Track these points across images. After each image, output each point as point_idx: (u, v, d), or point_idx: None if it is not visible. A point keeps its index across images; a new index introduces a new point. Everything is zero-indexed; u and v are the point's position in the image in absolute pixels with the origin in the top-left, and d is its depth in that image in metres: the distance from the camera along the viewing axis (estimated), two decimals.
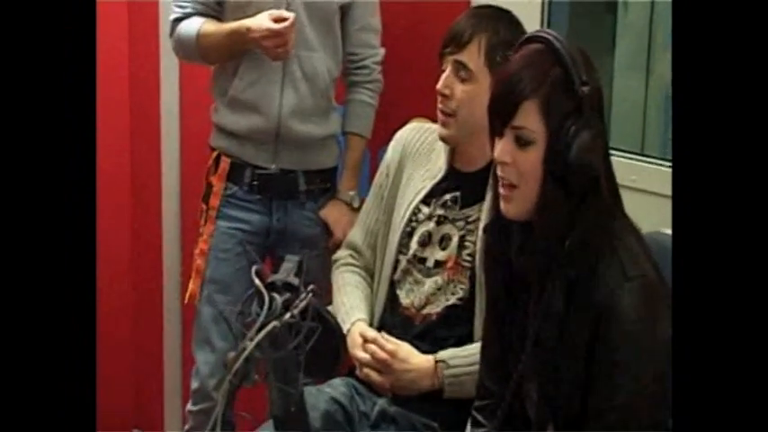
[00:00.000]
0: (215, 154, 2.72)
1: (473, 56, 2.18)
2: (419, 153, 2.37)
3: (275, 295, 1.52)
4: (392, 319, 2.29)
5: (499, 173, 1.73)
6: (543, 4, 2.59)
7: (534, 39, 1.73)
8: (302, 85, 2.61)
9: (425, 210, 2.29)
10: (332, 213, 2.71)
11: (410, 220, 2.30)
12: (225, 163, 2.69)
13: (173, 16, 2.66)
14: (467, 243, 2.22)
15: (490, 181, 1.97)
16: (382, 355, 2.19)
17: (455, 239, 2.24)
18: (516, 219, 1.73)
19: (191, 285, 2.72)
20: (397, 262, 2.31)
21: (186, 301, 2.77)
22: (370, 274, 2.42)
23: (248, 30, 2.49)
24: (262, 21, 2.47)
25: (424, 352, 2.19)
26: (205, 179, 2.73)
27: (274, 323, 1.48)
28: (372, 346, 2.21)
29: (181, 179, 3.32)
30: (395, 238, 2.32)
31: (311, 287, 1.56)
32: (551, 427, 1.74)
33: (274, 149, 2.66)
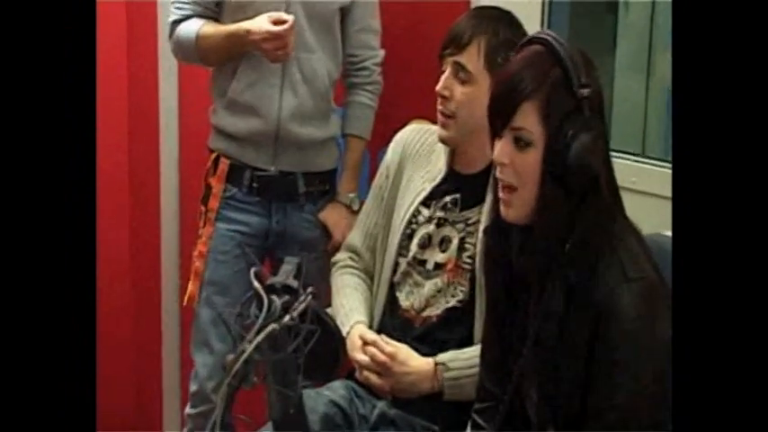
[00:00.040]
0: (214, 155, 2.71)
1: (472, 57, 2.18)
2: (419, 155, 2.37)
3: (274, 298, 1.51)
4: (392, 321, 2.29)
5: (498, 175, 1.73)
6: (544, 4, 2.59)
7: (535, 40, 1.73)
8: (301, 88, 2.61)
9: (425, 212, 2.28)
10: (331, 216, 2.71)
11: (410, 222, 2.30)
12: (224, 164, 2.68)
13: (171, 18, 2.65)
14: (467, 245, 2.22)
15: (490, 183, 1.97)
16: (382, 357, 2.18)
17: (455, 242, 2.23)
18: (516, 222, 1.73)
19: (189, 287, 2.71)
20: (396, 264, 2.31)
21: (185, 304, 2.76)
22: (369, 276, 2.42)
23: (247, 32, 2.49)
24: (261, 23, 2.47)
25: (424, 354, 2.19)
26: (204, 181, 2.73)
27: (273, 325, 1.48)
28: (372, 349, 2.20)
29: (179, 180, 3.32)
30: (394, 240, 2.32)
31: (310, 289, 1.55)
32: (551, 427, 1.74)
33: (274, 151, 2.65)
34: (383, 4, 2.72)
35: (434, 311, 2.23)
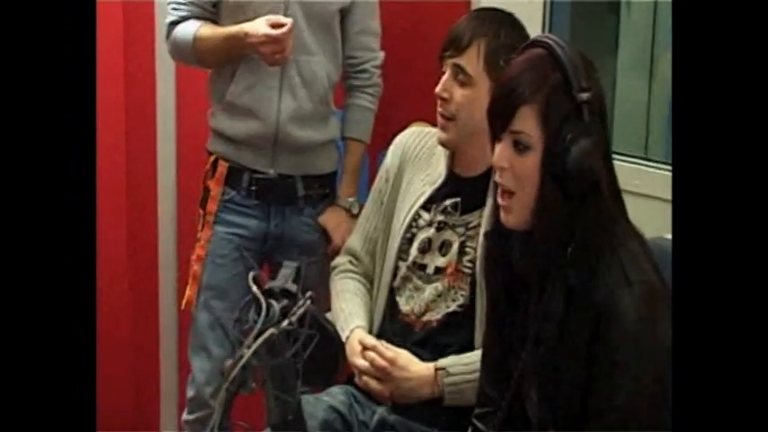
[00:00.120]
0: (212, 158, 2.71)
1: (472, 60, 2.17)
2: (419, 158, 2.36)
3: (273, 302, 1.51)
4: (392, 326, 2.28)
5: (497, 179, 1.73)
6: (545, 4, 2.59)
7: (536, 43, 1.73)
8: (300, 90, 2.60)
9: (426, 216, 2.28)
10: (331, 219, 2.70)
11: (410, 226, 2.29)
12: (222, 167, 2.68)
13: (168, 19, 2.64)
14: (467, 249, 2.21)
15: (491, 186, 1.96)
16: (381, 362, 2.17)
17: (455, 246, 2.23)
18: (516, 228, 1.73)
19: (187, 291, 2.71)
20: (396, 268, 2.30)
21: (183, 308, 2.76)
22: (369, 280, 2.41)
23: (245, 35, 2.48)
24: (259, 26, 2.46)
25: (424, 359, 2.18)
26: (202, 183, 2.73)
27: (272, 330, 1.48)
28: (371, 354, 2.19)
29: (177, 182, 3.32)
30: (394, 244, 2.31)
31: (309, 294, 1.55)
32: (552, 428, 1.73)
33: (272, 154, 2.65)
34: (383, 4, 2.71)
35: (435, 316, 2.22)
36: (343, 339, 2.15)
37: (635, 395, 1.63)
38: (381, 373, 2.18)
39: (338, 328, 2.03)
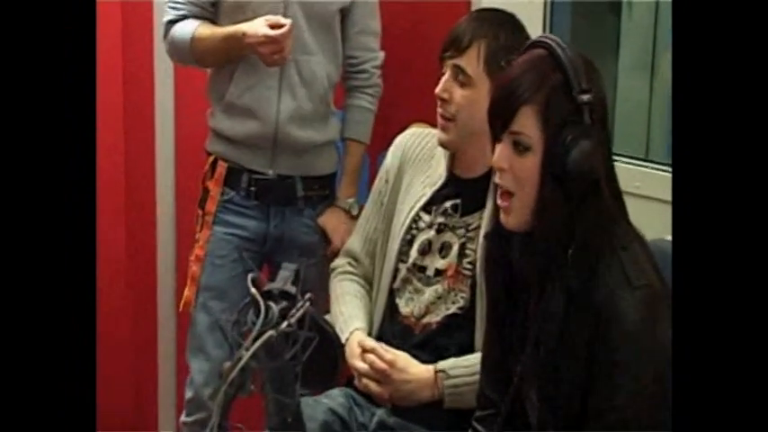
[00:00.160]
0: (211, 158, 2.70)
1: (472, 61, 2.17)
2: (419, 159, 2.36)
3: (272, 304, 1.50)
4: (391, 328, 2.28)
5: (497, 180, 1.73)
6: (545, 4, 2.58)
7: (537, 44, 1.73)
8: (300, 90, 2.59)
9: (426, 218, 2.27)
10: (330, 221, 2.69)
11: (410, 228, 2.29)
12: (222, 168, 2.67)
13: (166, 18, 2.63)
14: (467, 251, 2.21)
15: (491, 188, 1.95)
16: (381, 365, 2.17)
17: (455, 247, 2.22)
18: (517, 230, 1.73)
19: (186, 292, 2.70)
20: (396, 270, 2.29)
21: (181, 309, 2.75)
22: (368, 282, 2.41)
23: (244, 35, 2.47)
24: (258, 26, 2.45)
25: (424, 362, 2.18)
26: (201, 184, 2.72)
27: (271, 332, 1.47)
28: (371, 356, 2.19)
29: (175, 182, 3.32)
30: (394, 245, 2.30)
31: (308, 296, 1.54)
32: (552, 428, 1.73)
33: (272, 155, 2.64)
34: (383, 4, 2.71)
35: (434, 318, 2.22)
36: (343, 341, 2.15)
37: (635, 395, 1.63)
38: (381, 376, 2.17)
39: (337, 330, 2.03)
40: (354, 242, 2.44)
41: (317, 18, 2.58)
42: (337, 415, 2.20)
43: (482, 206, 2.20)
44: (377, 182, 2.43)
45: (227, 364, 1.45)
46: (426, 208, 2.27)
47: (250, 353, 1.44)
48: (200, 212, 2.69)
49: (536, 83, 1.67)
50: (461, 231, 2.22)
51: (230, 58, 2.58)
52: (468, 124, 2.18)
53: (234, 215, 2.66)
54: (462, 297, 2.19)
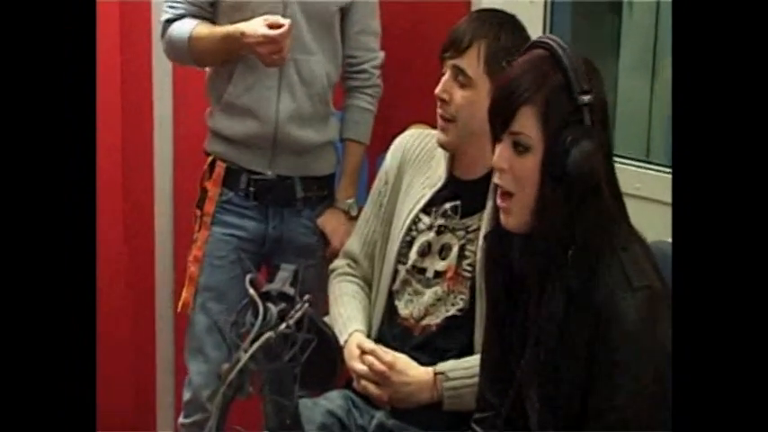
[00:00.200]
0: (210, 159, 2.70)
1: (472, 62, 2.17)
2: (419, 160, 2.35)
3: (270, 305, 1.50)
4: (390, 330, 2.27)
5: (496, 180, 1.73)
6: (546, 5, 2.58)
7: (538, 45, 1.73)
8: (299, 90, 2.59)
9: (426, 219, 2.27)
10: (329, 222, 2.69)
11: (410, 230, 2.28)
12: (220, 168, 2.67)
13: (164, 17, 2.63)
14: (467, 253, 2.20)
15: (491, 189, 1.95)
16: (380, 366, 2.16)
17: (455, 249, 2.22)
18: (517, 231, 1.73)
19: (184, 294, 2.70)
20: (395, 272, 2.29)
21: (179, 310, 2.75)
22: (367, 284, 2.40)
23: (242, 34, 2.46)
24: (257, 26, 2.44)
25: (424, 364, 2.17)
26: (200, 184, 2.72)
27: (269, 334, 1.46)
28: (370, 358, 2.18)
29: (174, 183, 3.31)
30: (394, 247, 2.30)
31: (307, 297, 1.54)
32: (552, 428, 1.73)
33: (271, 155, 2.63)
34: (383, 4, 2.71)
35: (434, 320, 2.21)
36: (342, 343, 2.16)
37: (635, 395, 1.63)
38: (380, 378, 2.16)
39: (336, 331, 2.01)
40: (353, 243, 2.44)
41: (316, 18, 2.57)
42: (336, 417, 2.20)
43: (482, 208, 2.19)
44: (376, 183, 2.43)
45: (226, 366, 1.45)
46: (426, 209, 2.27)
47: (248, 354, 1.44)
48: (198, 213, 2.69)
49: (536, 83, 1.67)
50: (461, 233, 2.22)
51: (228, 58, 2.57)
52: (468, 125, 2.17)
53: (232, 216, 2.66)
54: (462, 299, 2.19)
